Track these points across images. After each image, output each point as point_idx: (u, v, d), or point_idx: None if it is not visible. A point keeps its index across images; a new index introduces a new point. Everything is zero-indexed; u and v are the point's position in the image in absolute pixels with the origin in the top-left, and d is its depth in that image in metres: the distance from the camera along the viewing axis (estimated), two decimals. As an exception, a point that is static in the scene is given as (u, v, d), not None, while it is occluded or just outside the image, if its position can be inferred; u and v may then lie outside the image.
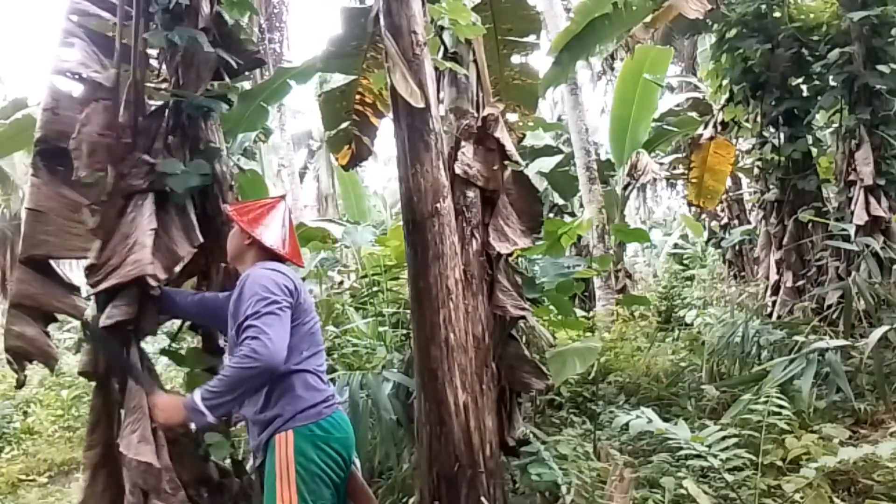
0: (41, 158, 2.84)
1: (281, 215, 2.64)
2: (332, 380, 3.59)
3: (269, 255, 2.52)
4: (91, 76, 2.88)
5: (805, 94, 7.05)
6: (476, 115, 3.59)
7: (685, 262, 13.08)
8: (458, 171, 3.38)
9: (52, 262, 2.89)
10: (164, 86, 3.14)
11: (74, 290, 2.92)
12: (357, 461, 2.54)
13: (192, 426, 2.30)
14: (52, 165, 2.85)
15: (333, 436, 2.28)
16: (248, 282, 2.32)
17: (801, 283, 6.86)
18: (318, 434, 2.25)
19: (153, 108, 3.02)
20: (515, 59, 4.58)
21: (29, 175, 2.88)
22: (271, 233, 2.57)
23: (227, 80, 3.14)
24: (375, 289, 5.24)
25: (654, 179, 10.54)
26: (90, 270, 2.76)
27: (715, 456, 2.90)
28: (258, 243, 2.51)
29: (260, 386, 2.25)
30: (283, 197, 2.77)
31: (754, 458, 3.10)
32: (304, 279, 3.36)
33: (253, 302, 2.23)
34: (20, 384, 2.96)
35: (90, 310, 2.88)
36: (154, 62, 3.18)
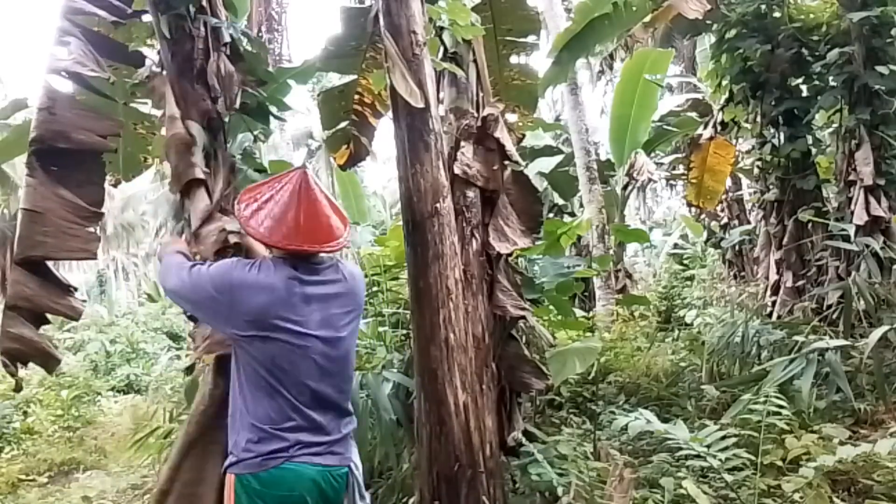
0: (37, 158, 2.82)
1: (290, 190, 2.21)
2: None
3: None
4: (87, 75, 2.86)
5: (805, 94, 7.05)
6: (476, 115, 3.59)
7: (685, 262, 13.07)
8: (457, 171, 3.37)
9: (48, 263, 2.87)
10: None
11: (71, 290, 2.91)
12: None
13: None
14: (49, 166, 2.83)
15: (269, 492, 2.09)
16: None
17: (801, 283, 6.86)
18: (254, 487, 2.10)
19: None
20: (515, 59, 4.58)
21: (24, 175, 2.86)
22: (262, 216, 2.21)
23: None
24: (375, 289, 5.23)
25: (650, 180, 10.53)
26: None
27: (714, 456, 2.90)
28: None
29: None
30: (302, 168, 2.30)
31: (754, 458, 3.09)
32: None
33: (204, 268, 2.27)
34: (18, 388, 2.95)
35: (88, 310, 2.88)
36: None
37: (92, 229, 2.87)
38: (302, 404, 2.13)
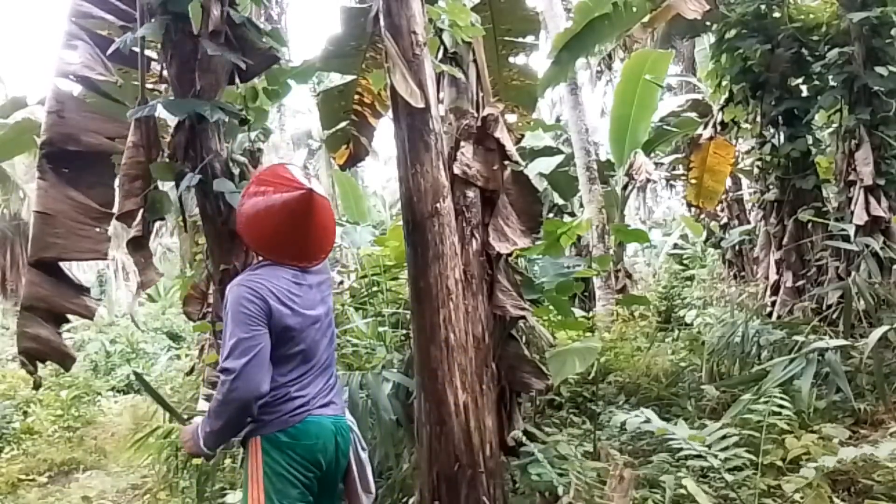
0: (48, 161, 2.86)
1: (290, 210, 2.34)
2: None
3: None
4: (96, 79, 2.88)
5: (805, 94, 7.04)
6: (476, 115, 3.59)
7: (685, 262, 13.07)
8: (457, 171, 3.37)
9: (61, 263, 2.90)
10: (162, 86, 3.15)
11: (84, 290, 2.94)
12: (357, 459, 2.56)
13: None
14: (59, 168, 2.86)
15: (300, 442, 2.34)
16: (228, 301, 2.29)
17: (801, 283, 6.86)
18: (284, 441, 2.32)
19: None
20: (514, 59, 4.59)
21: (35, 178, 2.89)
22: (260, 224, 2.39)
23: (238, 81, 3.15)
24: (375, 289, 5.23)
25: (648, 180, 10.52)
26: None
27: (715, 456, 2.90)
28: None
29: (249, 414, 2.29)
30: (307, 191, 2.33)
31: (754, 457, 3.10)
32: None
33: (230, 332, 2.25)
34: (37, 385, 3.00)
35: (102, 310, 2.91)
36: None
37: (102, 230, 2.89)
38: (312, 366, 2.42)
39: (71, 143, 2.85)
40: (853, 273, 5.91)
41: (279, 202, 2.32)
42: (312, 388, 2.41)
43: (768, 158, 7.15)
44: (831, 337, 4.79)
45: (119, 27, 3.09)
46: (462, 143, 3.45)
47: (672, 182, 15.57)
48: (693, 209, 9.42)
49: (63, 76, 2.89)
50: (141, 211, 2.94)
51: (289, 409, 2.34)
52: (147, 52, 3.15)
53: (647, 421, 3.06)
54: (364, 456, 2.59)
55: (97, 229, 2.86)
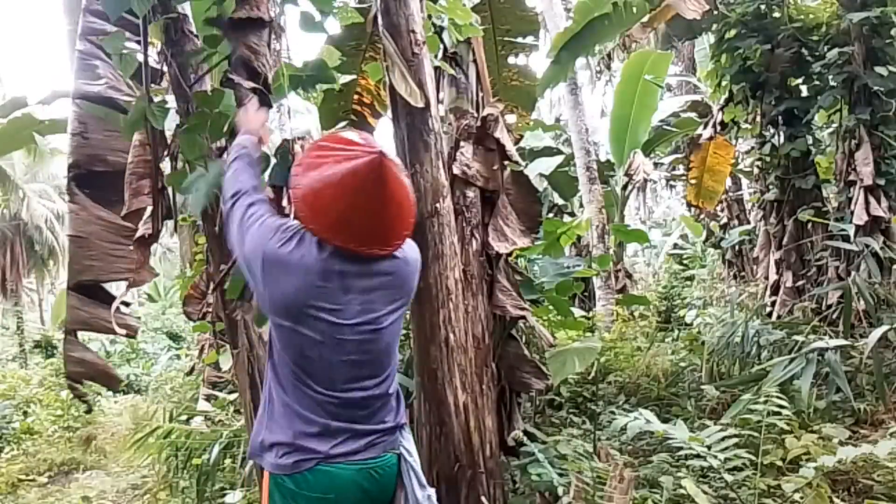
0: (76, 184, 2.89)
1: (354, 177, 1.82)
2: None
3: None
4: (120, 99, 2.89)
5: (805, 94, 7.05)
6: (476, 115, 3.59)
7: (685, 262, 13.08)
8: (457, 171, 3.37)
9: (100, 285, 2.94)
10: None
11: (125, 306, 2.98)
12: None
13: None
14: (88, 189, 2.89)
15: (304, 494, 1.90)
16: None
17: (800, 283, 6.86)
18: (288, 488, 1.91)
19: None
20: (513, 59, 4.59)
21: (67, 202, 2.92)
22: (318, 200, 1.85)
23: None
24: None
25: (645, 180, 10.53)
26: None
27: (715, 456, 2.90)
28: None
29: None
30: (378, 154, 1.83)
31: (754, 458, 3.10)
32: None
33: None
34: (89, 409, 3.10)
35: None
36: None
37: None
38: (333, 399, 1.91)
39: (98, 164, 2.88)
40: (853, 273, 5.91)
41: (341, 172, 1.81)
42: (337, 430, 1.92)
43: (768, 158, 7.16)
44: (831, 337, 4.79)
45: (136, 41, 3.09)
46: (462, 143, 3.45)
47: (672, 182, 15.56)
48: (693, 209, 9.43)
49: (83, 98, 2.88)
50: (149, 210, 2.94)
51: (296, 453, 1.90)
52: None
53: (648, 422, 3.06)
54: (422, 495, 2.02)
55: (131, 248, 2.89)
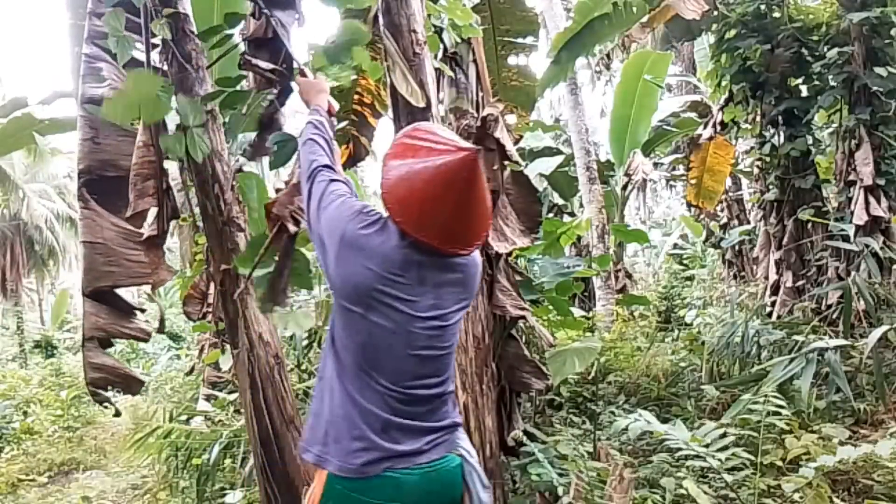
0: (88, 190, 2.87)
1: (447, 173, 1.77)
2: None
3: None
4: None
5: (805, 94, 7.06)
6: (476, 115, 3.59)
7: (685, 262, 13.09)
8: (457, 171, 3.37)
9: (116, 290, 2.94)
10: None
11: (139, 311, 2.98)
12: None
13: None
14: (100, 195, 2.87)
15: (364, 499, 1.80)
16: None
17: (800, 283, 6.87)
18: (346, 492, 1.80)
19: None
20: (513, 60, 4.59)
21: (79, 208, 2.91)
22: (407, 192, 1.81)
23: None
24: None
25: (645, 180, 10.53)
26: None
27: (714, 456, 2.90)
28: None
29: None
30: (472, 153, 1.78)
31: (754, 458, 3.10)
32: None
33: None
34: (117, 414, 3.09)
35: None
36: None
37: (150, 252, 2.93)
38: (397, 394, 1.83)
39: (109, 169, 2.86)
40: (853, 273, 5.92)
41: (433, 167, 1.77)
42: (403, 430, 1.83)
43: (768, 158, 7.17)
44: (831, 337, 4.79)
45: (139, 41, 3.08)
46: (462, 143, 3.44)
47: (672, 182, 15.57)
48: (693, 209, 9.44)
49: (91, 102, 2.86)
50: (156, 210, 2.94)
51: (363, 455, 1.79)
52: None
53: (648, 423, 3.06)
54: (486, 496, 2.00)
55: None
